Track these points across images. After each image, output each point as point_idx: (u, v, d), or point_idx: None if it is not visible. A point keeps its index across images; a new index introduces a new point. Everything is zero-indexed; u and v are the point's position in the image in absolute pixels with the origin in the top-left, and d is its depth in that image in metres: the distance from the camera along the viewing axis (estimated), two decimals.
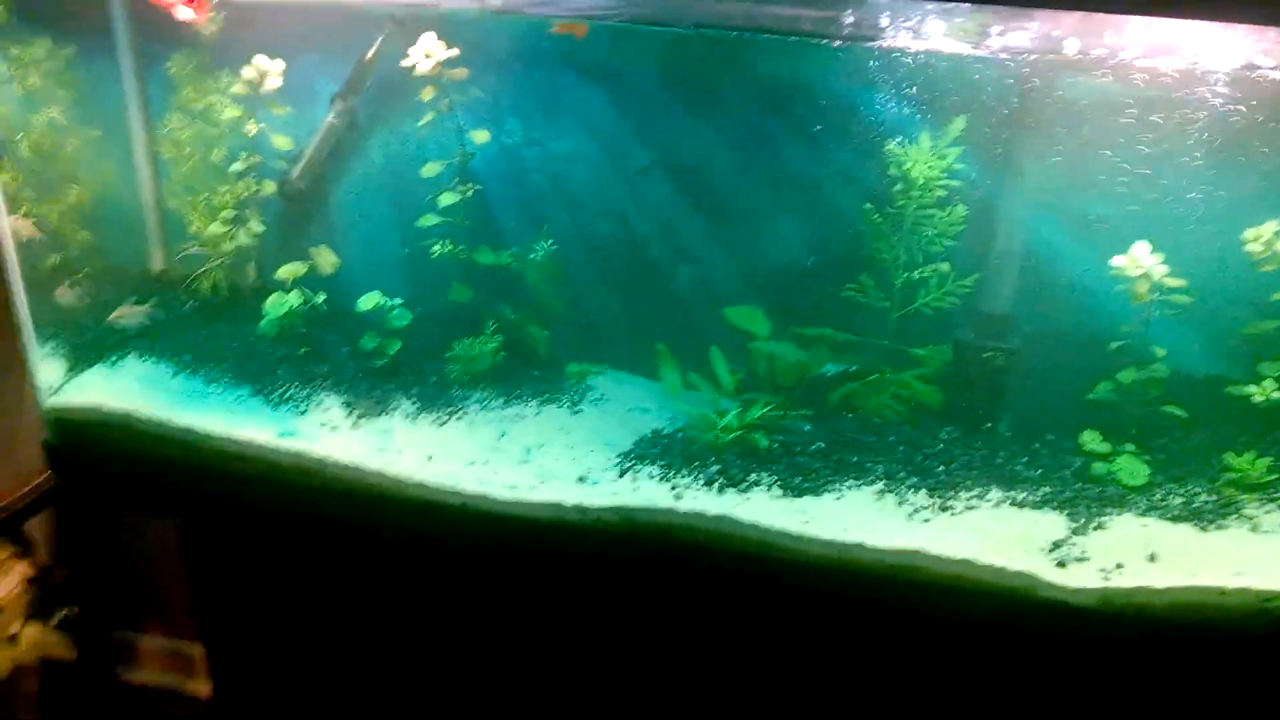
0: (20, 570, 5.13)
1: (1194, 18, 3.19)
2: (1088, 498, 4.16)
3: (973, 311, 4.62)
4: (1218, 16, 3.12)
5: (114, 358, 4.77)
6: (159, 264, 5.27)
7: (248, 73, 4.60)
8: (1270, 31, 3.44)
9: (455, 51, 4.41)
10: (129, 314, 4.86)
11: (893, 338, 4.63)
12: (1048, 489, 4.22)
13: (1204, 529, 3.96)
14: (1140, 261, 4.21)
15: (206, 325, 4.99)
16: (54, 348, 4.79)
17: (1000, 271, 4.53)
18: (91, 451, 4.58)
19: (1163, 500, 4.13)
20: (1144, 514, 4.07)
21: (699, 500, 4.15)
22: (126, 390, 4.59)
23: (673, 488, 4.21)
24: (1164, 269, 4.19)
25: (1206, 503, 4.09)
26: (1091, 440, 4.36)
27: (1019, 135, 4.32)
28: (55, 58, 4.81)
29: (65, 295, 5.00)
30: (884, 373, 4.66)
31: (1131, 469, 4.24)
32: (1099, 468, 4.28)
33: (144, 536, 5.01)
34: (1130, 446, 4.34)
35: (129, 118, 5.03)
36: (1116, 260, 4.24)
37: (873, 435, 4.54)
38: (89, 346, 4.81)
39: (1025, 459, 4.40)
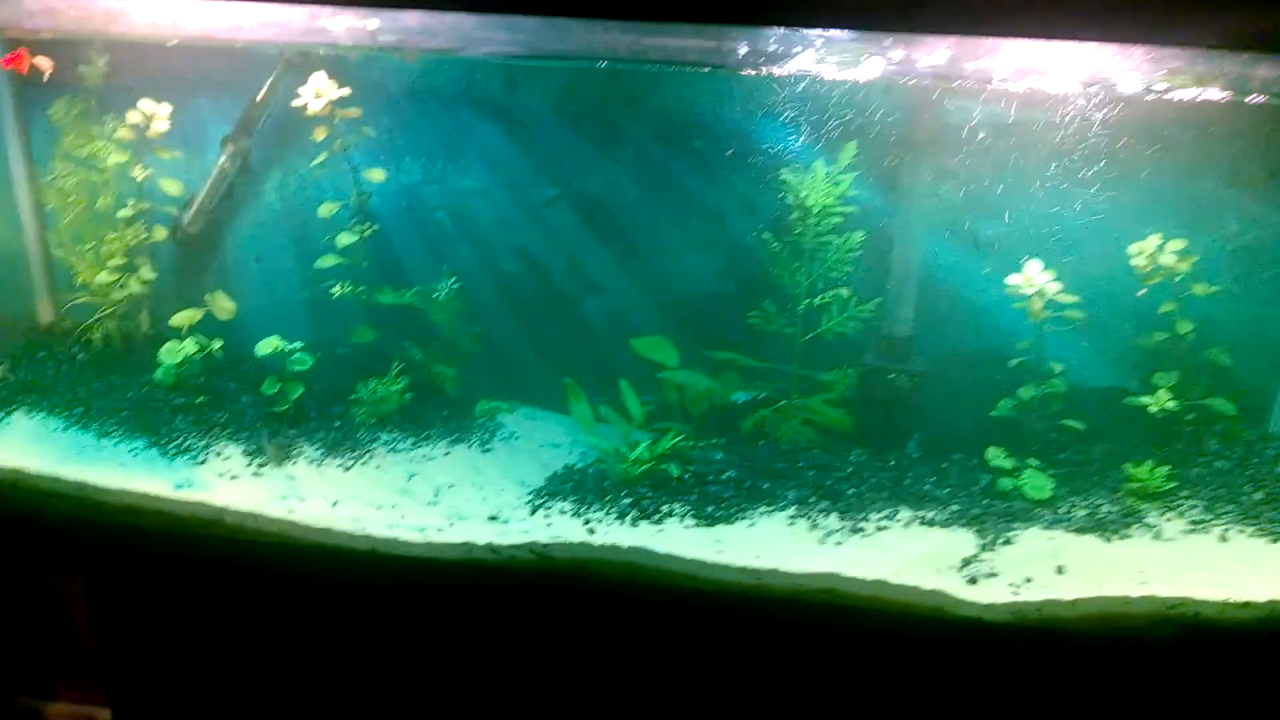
0: None
1: (1067, 39, 3.28)
2: (995, 513, 4.21)
3: (875, 335, 4.68)
4: (1092, 37, 3.22)
5: (1, 414, 4.59)
6: (46, 315, 5.09)
7: (133, 117, 4.49)
8: (1155, 51, 3.57)
9: (347, 90, 4.36)
10: None
11: (799, 363, 4.66)
12: (956, 507, 4.27)
13: (1109, 539, 4.02)
14: (1033, 279, 4.31)
15: (99, 377, 4.82)
16: None
17: (899, 294, 4.60)
18: None
19: (1068, 513, 4.19)
20: (1050, 527, 4.12)
21: (613, 534, 4.10)
22: (14, 446, 4.40)
23: (586, 522, 4.16)
24: (1057, 285, 4.30)
25: (1110, 513, 4.16)
26: (996, 456, 4.42)
27: (910, 159, 4.41)
28: None
29: None
30: (792, 398, 4.69)
31: (1036, 483, 4.30)
32: (1005, 483, 4.33)
33: (48, 597, 4.82)
34: (1034, 461, 4.41)
35: (10, 166, 4.87)
36: (1011, 279, 4.34)
37: (783, 461, 4.55)
38: None
39: (933, 478, 4.44)
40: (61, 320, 5.02)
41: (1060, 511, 4.20)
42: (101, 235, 4.73)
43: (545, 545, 4.06)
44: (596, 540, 4.06)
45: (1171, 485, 4.24)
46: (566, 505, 4.26)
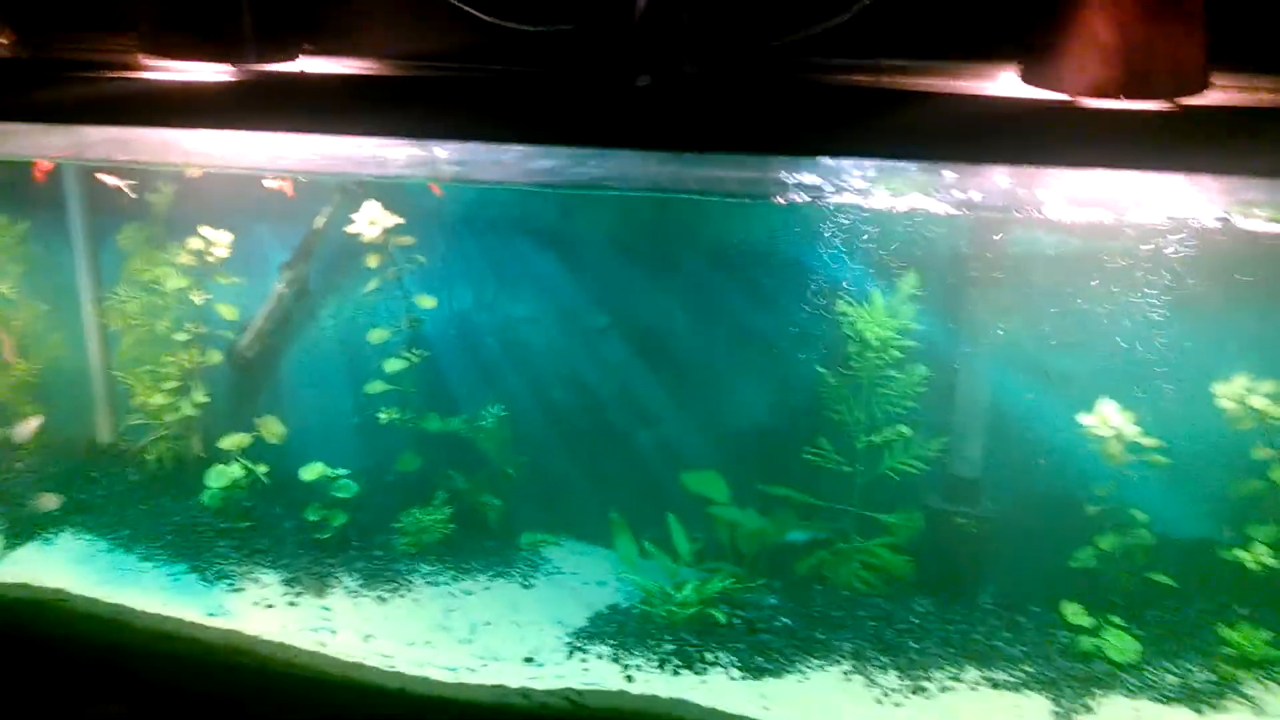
0: None
1: (1137, 170, 3.10)
2: (1073, 677, 3.85)
3: (941, 475, 4.40)
4: (1158, 168, 3.03)
5: (50, 533, 4.61)
6: (105, 435, 5.16)
7: (194, 243, 4.59)
8: (1236, 182, 3.36)
9: (400, 220, 4.40)
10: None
11: (858, 503, 4.40)
12: (1029, 668, 3.91)
13: (1201, 712, 3.64)
14: (1109, 420, 4.01)
15: (148, 498, 4.85)
16: None
17: (966, 432, 4.33)
18: (23, 629, 4.37)
19: (1155, 679, 3.81)
20: (1135, 694, 3.76)
21: (653, 683, 3.86)
22: (59, 567, 4.41)
23: (625, 668, 3.93)
24: (1135, 428, 3.99)
25: (1203, 681, 3.78)
26: (1075, 613, 4.06)
27: (976, 291, 4.20)
28: (9, 233, 4.86)
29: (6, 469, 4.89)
30: (851, 540, 4.41)
31: (1119, 644, 3.92)
32: (1084, 643, 3.96)
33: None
34: (1117, 619, 4.03)
35: (80, 290, 5.03)
36: (1085, 419, 4.05)
37: (840, 609, 4.26)
38: (25, 521, 4.66)
39: (1005, 634, 4.10)
40: (118, 441, 5.09)
41: (1146, 677, 3.83)
42: (158, 358, 4.81)
43: (580, 693, 3.84)
44: (635, 689, 3.82)
45: (1273, 652, 3.82)
46: (605, 649, 4.04)
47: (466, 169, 4.07)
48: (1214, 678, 3.79)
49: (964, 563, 4.33)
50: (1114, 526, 4.11)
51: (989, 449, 4.33)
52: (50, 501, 4.61)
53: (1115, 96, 2.76)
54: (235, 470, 4.61)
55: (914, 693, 3.79)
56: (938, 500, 4.38)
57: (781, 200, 3.65)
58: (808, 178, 3.71)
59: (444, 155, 3.84)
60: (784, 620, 4.16)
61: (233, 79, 3.48)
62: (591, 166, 3.76)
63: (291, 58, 3.46)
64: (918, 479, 4.33)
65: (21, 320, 4.91)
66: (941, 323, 4.28)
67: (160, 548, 4.53)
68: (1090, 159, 3.00)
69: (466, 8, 3.28)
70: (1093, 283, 3.96)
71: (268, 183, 4.52)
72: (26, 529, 4.61)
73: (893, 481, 4.34)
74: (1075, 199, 3.57)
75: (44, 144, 3.98)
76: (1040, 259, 4.07)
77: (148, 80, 3.53)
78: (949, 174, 3.59)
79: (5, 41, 3.69)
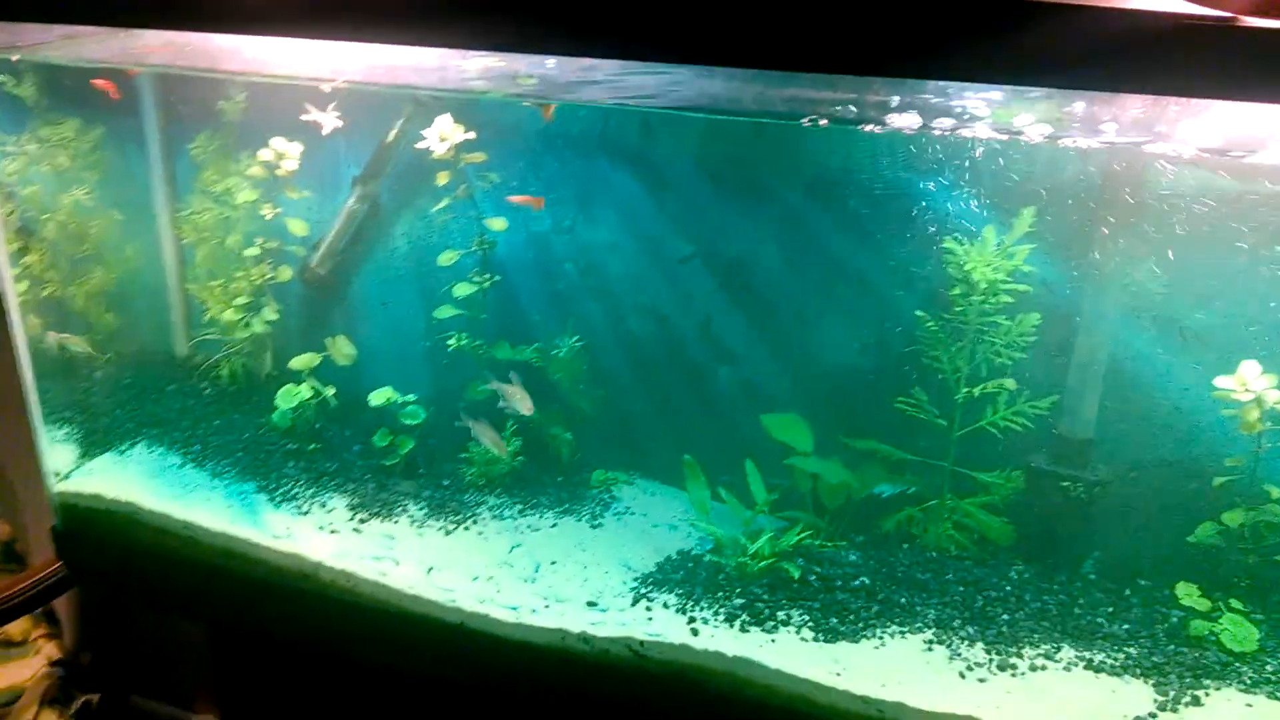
0: (47, 652, 5.01)
1: None
2: (1181, 664, 3.49)
3: (1049, 434, 4.01)
4: None
5: (125, 446, 4.61)
6: (181, 350, 5.13)
7: (265, 155, 4.43)
8: None
9: (472, 135, 4.13)
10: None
11: (954, 460, 4.06)
12: (1133, 649, 3.57)
13: None
14: (1250, 384, 3.56)
15: (220, 414, 4.80)
16: (69, 432, 4.68)
17: (1081, 389, 3.91)
18: (96, 541, 4.42)
19: (1274, 673, 3.43)
20: (1250, 689, 3.38)
21: (718, 638, 3.65)
22: (133, 480, 4.41)
23: (690, 620, 3.73)
24: (1278, 394, 3.54)
25: None
26: (1189, 594, 3.67)
27: (1103, 232, 3.75)
28: (84, 139, 4.79)
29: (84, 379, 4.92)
30: (944, 498, 4.09)
31: (1238, 631, 3.54)
32: (1198, 626, 3.59)
33: (168, 621, 4.84)
34: (1237, 603, 3.63)
35: (154, 200, 4.93)
36: (1221, 381, 3.60)
37: (927, 571, 3.96)
38: (102, 432, 4.67)
39: (1108, 611, 3.75)
40: (192, 355, 5.06)
41: (1265, 670, 3.45)
42: (230, 273, 4.72)
43: (642, 643, 3.67)
44: (699, 644, 3.63)
45: None
46: (672, 598, 3.84)
47: (543, 86, 3.80)
48: None
49: (1068, 530, 3.96)
50: (1243, 501, 3.69)
51: (1105, 408, 3.90)
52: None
53: None
54: (304, 390, 4.52)
55: (1001, 669, 3.49)
56: (1043, 460, 3.99)
57: (876, 129, 3.28)
58: (913, 103, 3.32)
59: (522, 69, 3.58)
60: (864, 580, 3.89)
61: None
62: (668, 84, 3.45)
63: None
64: (1022, 436, 3.95)
65: (97, 228, 4.86)
66: (1062, 267, 3.84)
67: (230, 465, 4.49)
68: (1248, 89, 2.55)
69: None
70: (1242, 230, 3.48)
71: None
72: (102, 440, 4.62)
73: (993, 438, 3.98)
74: (1228, 135, 3.12)
75: (99, 50, 3.84)
76: (1182, 201, 3.58)
77: None
78: (1080, 102, 3.16)
79: None
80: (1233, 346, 3.63)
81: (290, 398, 4.53)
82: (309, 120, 4.18)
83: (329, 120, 4.17)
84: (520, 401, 4.22)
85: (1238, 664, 3.48)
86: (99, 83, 4.58)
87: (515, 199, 4.33)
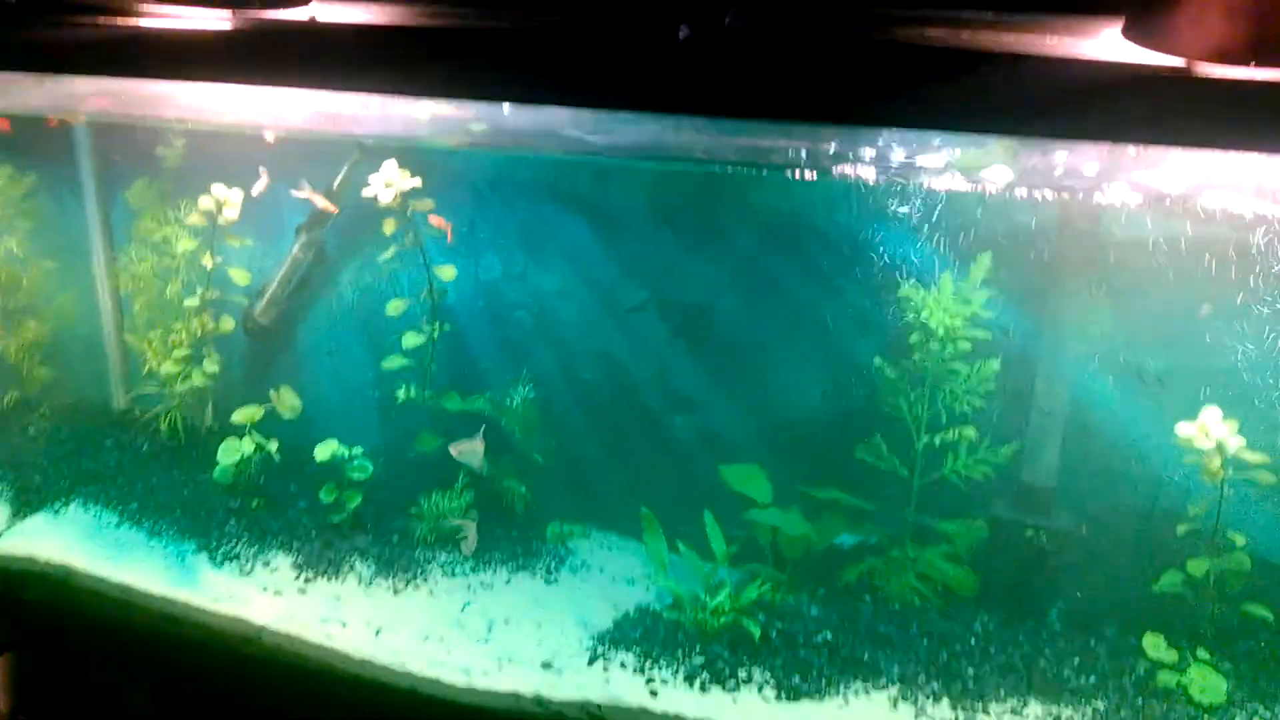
0: None
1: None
2: (1150, 716, 3.41)
3: (1011, 482, 3.95)
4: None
5: (59, 504, 4.42)
6: (119, 403, 4.96)
7: (204, 202, 4.29)
8: None
9: (418, 181, 4.02)
10: None
11: (915, 509, 3.98)
12: (1100, 704, 3.48)
13: None
14: (1211, 431, 3.52)
15: (159, 470, 4.63)
16: (0, 490, 4.49)
17: (1042, 436, 3.86)
18: (29, 605, 4.22)
19: None
20: None
21: (678, 700, 3.53)
22: (68, 540, 4.22)
23: (649, 681, 3.60)
24: (1239, 440, 3.49)
25: None
26: (1156, 645, 3.60)
27: (1060, 278, 3.71)
28: (16, 186, 4.62)
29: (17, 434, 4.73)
30: (906, 549, 4.00)
31: (1205, 683, 3.47)
32: (1165, 678, 3.52)
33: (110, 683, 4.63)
34: (1204, 653, 3.57)
35: (91, 248, 4.77)
36: (1182, 429, 3.55)
37: (891, 624, 3.86)
38: (35, 490, 4.49)
39: (1074, 662, 3.66)
40: (130, 408, 4.88)
41: None
42: (170, 323, 4.55)
43: (599, 706, 3.54)
44: (659, 706, 3.50)
45: None
46: (630, 657, 3.72)
47: (490, 135, 3.71)
48: None
49: (1032, 580, 3.89)
50: (1207, 549, 3.63)
51: (1067, 456, 3.85)
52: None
53: (1242, 63, 2.27)
54: (246, 445, 4.35)
55: None
56: (1006, 509, 3.93)
57: (833, 176, 3.23)
58: (868, 150, 3.27)
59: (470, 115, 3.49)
60: (826, 635, 3.78)
61: (234, 27, 3.14)
62: (620, 134, 3.38)
63: (301, 2, 3.10)
64: (984, 485, 3.89)
65: (30, 278, 4.68)
66: (1020, 313, 3.79)
67: (169, 524, 4.31)
68: (1205, 137, 2.51)
69: None
70: (1200, 276, 3.45)
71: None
72: (35, 499, 4.43)
73: (955, 487, 3.91)
74: (1186, 182, 3.09)
75: (34, 97, 3.71)
76: (1140, 247, 3.55)
77: (140, 27, 3.20)
78: (1035, 149, 3.13)
79: None
80: (1193, 392, 3.60)
81: (232, 453, 4.36)
82: (257, 173, 4.07)
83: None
84: (474, 459, 4.12)
85: (1207, 716, 3.41)
86: None
87: (433, 219, 4.22)
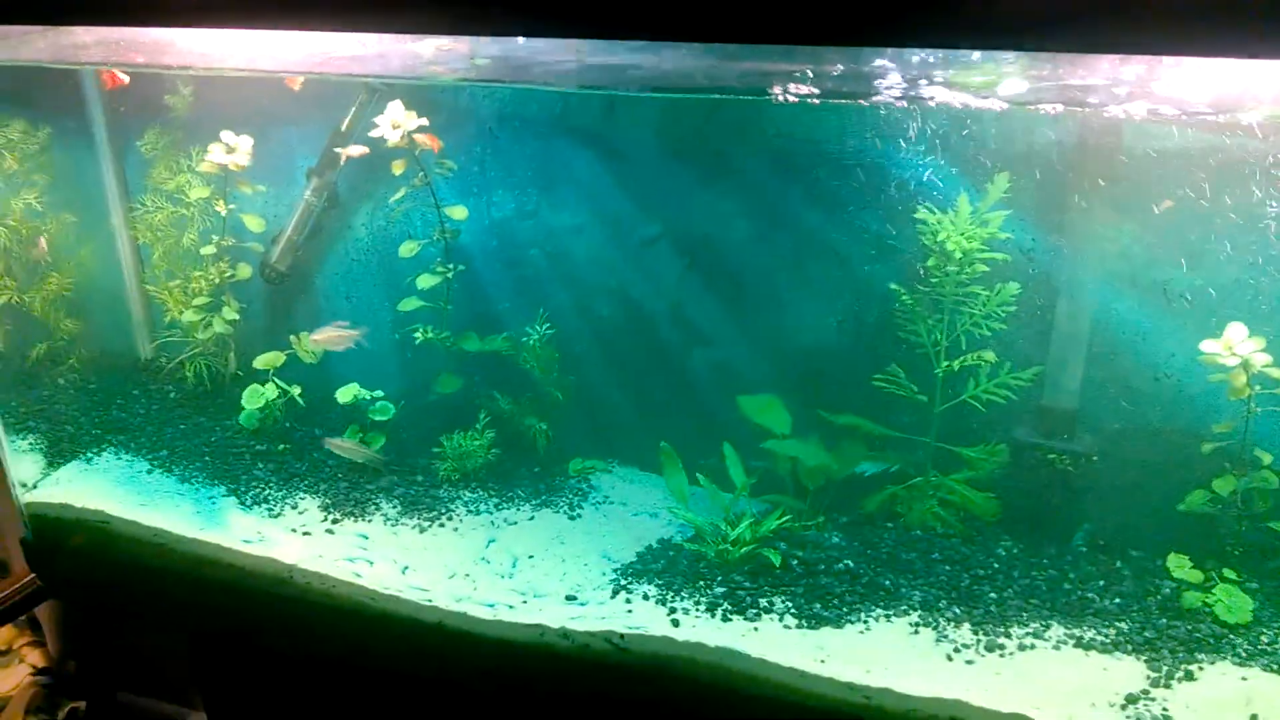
0: (31, 660, 4.94)
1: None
2: (1174, 638, 3.40)
3: (1032, 406, 3.91)
4: None
5: (91, 453, 4.51)
6: (144, 353, 5.02)
7: (214, 150, 4.29)
8: None
9: (425, 121, 3.98)
10: None
11: (936, 435, 3.95)
12: (1124, 624, 3.48)
13: None
14: (1236, 347, 3.44)
15: (186, 417, 4.70)
16: (34, 441, 4.58)
17: (1063, 358, 3.80)
18: (68, 551, 4.33)
19: (1271, 644, 3.34)
20: (1245, 661, 3.30)
21: (700, 628, 3.57)
22: (101, 489, 4.31)
23: (671, 611, 3.64)
24: (1266, 356, 3.42)
25: None
26: (1180, 565, 3.58)
27: (1081, 196, 3.62)
28: (30, 140, 4.65)
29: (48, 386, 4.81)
30: (928, 475, 3.98)
31: (1231, 602, 3.45)
32: (1190, 598, 3.50)
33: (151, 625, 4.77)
34: (1230, 573, 3.54)
35: (107, 200, 4.79)
36: (1207, 346, 3.48)
37: (912, 551, 3.87)
38: (67, 440, 4.57)
39: (1098, 585, 3.66)
40: (156, 357, 4.95)
41: (1260, 642, 3.36)
42: (188, 272, 4.60)
43: (623, 636, 3.58)
44: (681, 635, 3.54)
45: None
46: (652, 589, 3.75)
47: (496, 68, 3.64)
48: None
49: (1055, 503, 3.87)
50: (1233, 468, 3.59)
51: (1090, 377, 3.79)
52: None
53: None
54: (270, 390, 4.41)
55: (989, 649, 3.40)
56: (1027, 433, 3.89)
57: (826, 100, 3.14)
58: (876, 70, 3.18)
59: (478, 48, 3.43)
60: (847, 563, 3.79)
61: None
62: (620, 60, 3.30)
63: None
64: (1005, 409, 3.85)
65: (51, 232, 4.73)
66: (1039, 233, 3.71)
67: (199, 469, 4.39)
68: (1225, 45, 2.41)
69: None
70: (1226, 190, 3.35)
71: None
72: (68, 449, 4.52)
73: (976, 411, 3.87)
74: (1208, 91, 2.98)
75: (38, 49, 3.69)
76: (1163, 161, 3.45)
77: None
78: (1049, 63, 3.02)
79: None
80: (1216, 309, 3.52)
81: (256, 398, 4.42)
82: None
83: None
84: (339, 345, 4.16)
85: (1232, 636, 3.39)
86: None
87: (421, 138, 4.14)
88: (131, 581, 4.28)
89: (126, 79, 4.36)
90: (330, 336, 4.21)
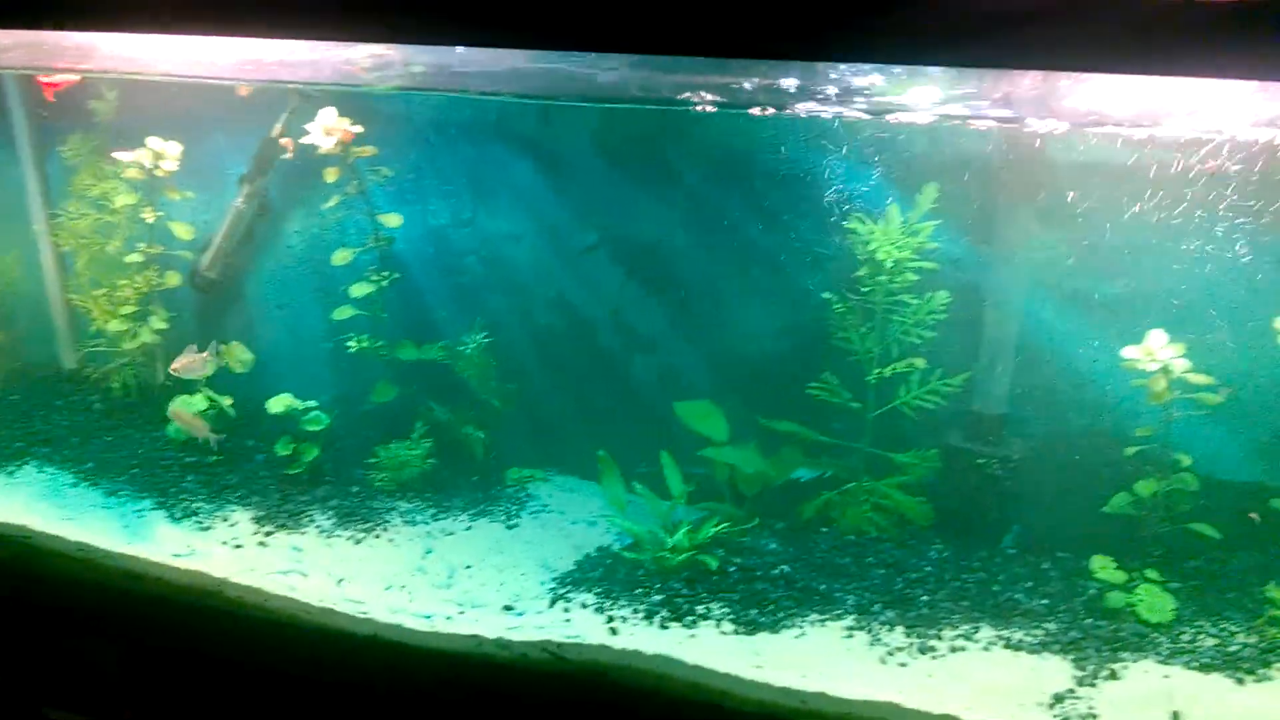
0: None
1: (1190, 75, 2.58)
2: (1099, 637, 3.49)
3: (963, 412, 3.99)
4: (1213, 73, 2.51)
5: (13, 467, 4.39)
6: (69, 363, 4.90)
7: (142, 155, 4.19)
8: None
9: (359, 128, 3.94)
10: None
11: (870, 441, 4.01)
12: (1051, 625, 3.56)
13: (1242, 681, 3.27)
14: (1156, 353, 3.55)
15: (113, 429, 4.61)
16: None
17: (992, 365, 3.89)
18: None
19: (1191, 642, 3.44)
20: (1168, 659, 3.38)
21: (638, 636, 3.57)
22: (24, 502, 4.21)
23: (609, 620, 3.65)
24: (1184, 362, 3.53)
25: (1246, 646, 3.40)
26: (1104, 566, 3.68)
27: (1008, 208, 3.70)
28: None
29: None
30: (862, 480, 4.05)
31: (1153, 601, 3.55)
32: (1114, 599, 3.59)
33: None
34: (1152, 573, 3.65)
35: (29, 206, 4.68)
36: (1128, 352, 3.59)
37: (847, 555, 3.92)
38: None
39: (1026, 586, 3.74)
40: (81, 368, 4.83)
41: (1181, 640, 3.46)
42: (114, 281, 4.49)
43: (560, 645, 3.57)
44: (618, 643, 3.54)
45: None
46: (590, 598, 3.76)
47: (430, 76, 3.62)
48: (1259, 642, 3.40)
49: (984, 507, 3.96)
50: (1154, 471, 3.70)
51: (1017, 384, 3.89)
52: None
53: None
54: (199, 401, 4.32)
55: (922, 652, 3.45)
56: (958, 438, 3.98)
57: (759, 112, 3.17)
58: (813, 81, 3.22)
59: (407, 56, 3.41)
60: (783, 568, 3.83)
61: None
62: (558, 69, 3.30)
63: None
64: (935, 415, 3.93)
65: None
66: (967, 243, 3.79)
67: (126, 482, 4.30)
68: (1141, 62, 2.48)
69: None
70: (1143, 201, 3.45)
71: None
72: None
73: (908, 417, 3.95)
74: (1125, 107, 3.07)
75: None
76: (1082, 173, 3.55)
77: None
78: (975, 78, 3.09)
79: None
80: (1137, 318, 3.62)
81: (185, 408, 4.33)
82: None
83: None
84: (196, 372, 4.27)
85: (1155, 634, 3.49)
86: None
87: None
88: (57, 596, 4.16)
89: (77, 80, 4.26)
90: (186, 363, 4.22)
